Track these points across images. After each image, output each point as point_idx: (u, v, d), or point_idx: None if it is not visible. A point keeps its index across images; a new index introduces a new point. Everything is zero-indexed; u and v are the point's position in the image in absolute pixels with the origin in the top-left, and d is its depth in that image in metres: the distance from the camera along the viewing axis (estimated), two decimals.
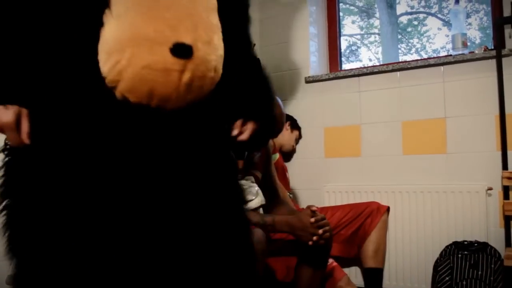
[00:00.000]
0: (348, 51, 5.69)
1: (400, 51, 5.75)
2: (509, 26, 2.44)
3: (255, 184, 2.01)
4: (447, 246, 2.40)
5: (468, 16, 4.96)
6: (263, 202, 1.95)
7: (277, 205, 2.08)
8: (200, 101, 1.06)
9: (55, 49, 0.99)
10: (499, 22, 2.48)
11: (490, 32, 2.64)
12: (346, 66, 4.30)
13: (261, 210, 1.99)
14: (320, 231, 1.72)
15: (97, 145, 1.00)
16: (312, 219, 1.73)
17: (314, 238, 1.72)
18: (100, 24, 0.97)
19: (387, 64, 2.83)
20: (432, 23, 5.75)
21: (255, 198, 1.91)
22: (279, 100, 2.01)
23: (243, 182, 1.98)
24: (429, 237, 2.51)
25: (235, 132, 1.13)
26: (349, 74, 2.90)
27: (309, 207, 1.78)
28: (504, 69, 2.42)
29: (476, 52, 2.53)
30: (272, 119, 1.26)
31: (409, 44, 5.99)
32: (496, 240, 2.39)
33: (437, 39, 5.59)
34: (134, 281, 1.02)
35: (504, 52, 2.42)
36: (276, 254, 2.00)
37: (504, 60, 2.43)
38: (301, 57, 3.10)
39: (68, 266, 0.99)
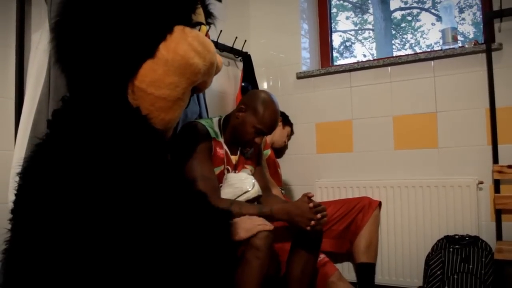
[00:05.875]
0: (342, 47, 5.69)
1: (394, 46, 5.75)
2: (499, 20, 2.44)
3: (251, 176, 2.01)
4: (438, 240, 2.40)
5: (461, 11, 4.97)
6: (260, 193, 1.97)
7: (269, 199, 2.09)
8: None
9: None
10: (488, 16, 2.47)
11: (482, 28, 2.64)
12: (340, 62, 4.30)
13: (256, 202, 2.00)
14: (318, 216, 1.75)
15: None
16: (310, 205, 1.76)
17: (312, 222, 1.74)
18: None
19: (378, 59, 2.83)
20: (426, 18, 5.77)
21: (251, 189, 1.92)
22: (274, 97, 2.01)
23: (240, 174, 2.00)
24: (420, 232, 2.51)
25: None
26: (340, 69, 2.90)
27: (305, 194, 1.81)
28: (494, 63, 2.43)
29: (466, 46, 2.53)
30: None
31: (403, 40, 5.99)
32: (487, 233, 2.40)
33: (431, 34, 5.60)
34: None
35: (493, 46, 2.43)
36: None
37: (493, 54, 2.43)
38: (292, 53, 3.10)
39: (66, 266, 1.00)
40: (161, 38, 1.15)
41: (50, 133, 1.12)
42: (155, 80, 1.15)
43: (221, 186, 1.94)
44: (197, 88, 1.34)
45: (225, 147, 1.99)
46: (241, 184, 1.91)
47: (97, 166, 1.02)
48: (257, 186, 1.95)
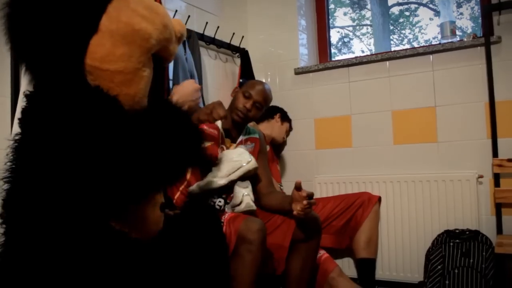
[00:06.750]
0: (340, 43, 5.68)
1: (392, 42, 5.74)
2: (497, 13, 2.43)
3: (248, 151, 2.04)
4: (439, 235, 2.40)
5: (459, 5, 4.96)
6: (256, 166, 2.00)
7: (271, 194, 2.11)
8: None
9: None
10: (487, 9, 2.46)
11: (481, 21, 2.62)
12: (338, 58, 4.29)
13: (248, 190, 2.01)
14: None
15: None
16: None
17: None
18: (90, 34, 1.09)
19: (376, 54, 2.81)
20: (424, 14, 5.75)
21: (249, 162, 1.97)
22: (267, 86, 2.15)
23: (237, 149, 2.05)
24: (421, 226, 2.50)
25: None
26: (339, 64, 2.89)
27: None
28: (493, 56, 2.41)
29: (465, 40, 2.52)
30: None
31: (401, 35, 5.98)
32: (488, 227, 2.39)
33: (429, 30, 5.59)
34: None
35: (492, 39, 2.41)
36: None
37: (492, 47, 2.42)
38: (290, 49, 3.08)
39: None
40: (101, 10, 1.11)
41: (21, 132, 1.11)
42: (106, 55, 1.11)
43: (217, 163, 1.97)
44: (163, 58, 1.28)
45: (221, 130, 2.06)
46: (239, 157, 1.96)
47: (74, 158, 1.01)
48: (253, 160, 2.00)
